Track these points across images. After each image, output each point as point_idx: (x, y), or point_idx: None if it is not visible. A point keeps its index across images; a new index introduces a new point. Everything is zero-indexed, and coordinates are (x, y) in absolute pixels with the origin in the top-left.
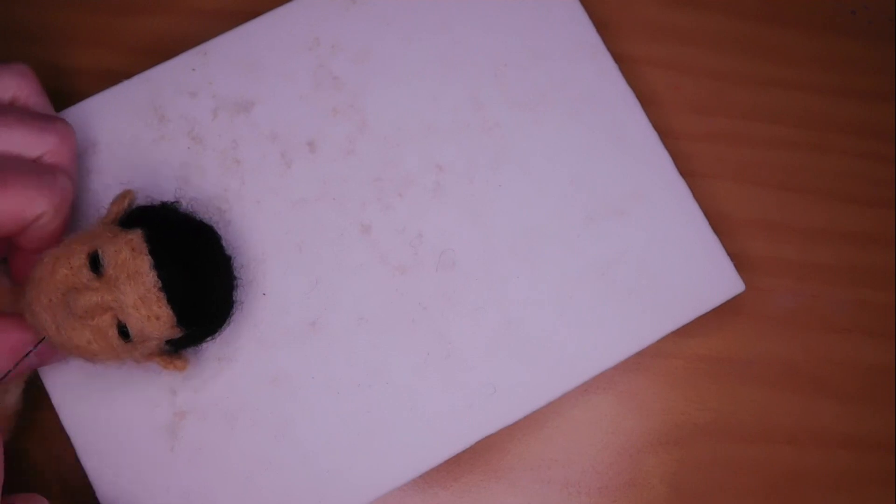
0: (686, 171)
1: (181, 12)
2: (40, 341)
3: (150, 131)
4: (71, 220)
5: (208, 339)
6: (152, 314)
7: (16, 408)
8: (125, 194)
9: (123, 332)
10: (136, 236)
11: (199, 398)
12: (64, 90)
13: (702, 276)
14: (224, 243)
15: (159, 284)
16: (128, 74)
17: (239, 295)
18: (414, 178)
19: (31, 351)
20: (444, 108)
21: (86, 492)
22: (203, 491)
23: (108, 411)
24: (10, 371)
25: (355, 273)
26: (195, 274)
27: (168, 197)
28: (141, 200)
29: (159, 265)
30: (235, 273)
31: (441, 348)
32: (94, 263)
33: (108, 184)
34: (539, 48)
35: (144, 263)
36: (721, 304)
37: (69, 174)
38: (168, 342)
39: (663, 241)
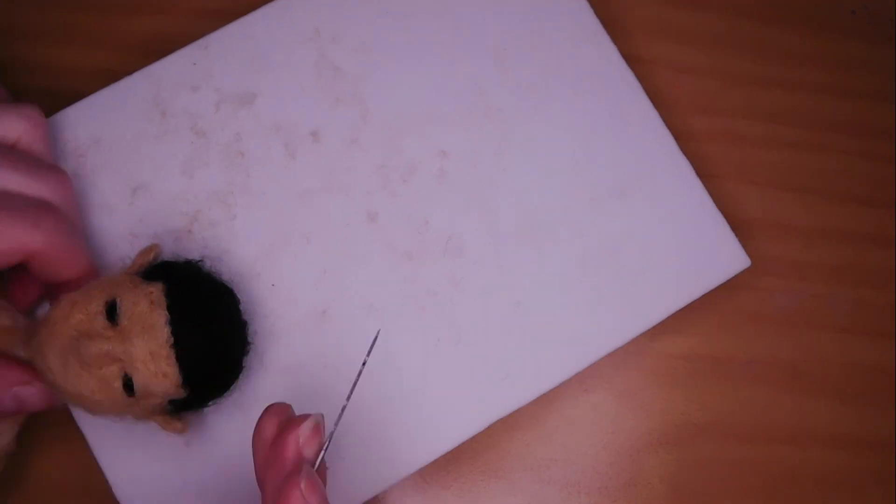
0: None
1: (178, 12)
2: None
3: (153, 126)
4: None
5: (210, 404)
6: (160, 371)
7: (8, 449)
8: (151, 248)
9: (128, 386)
10: (156, 289)
11: (213, 406)
12: (62, 90)
13: (708, 253)
14: (242, 308)
15: (171, 341)
16: (127, 73)
17: (248, 361)
18: (418, 165)
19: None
20: (446, 95)
21: (104, 489)
22: (219, 484)
23: None
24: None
25: (363, 261)
26: (208, 337)
27: (172, 199)
28: (165, 252)
29: (174, 322)
30: (249, 339)
31: (451, 334)
32: (111, 312)
33: (112, 180)
34: (538, 32)
35: (160, 318)
36: (729, 279)
37: (66, 214)
38: (170, 402)
39: (668, 220)
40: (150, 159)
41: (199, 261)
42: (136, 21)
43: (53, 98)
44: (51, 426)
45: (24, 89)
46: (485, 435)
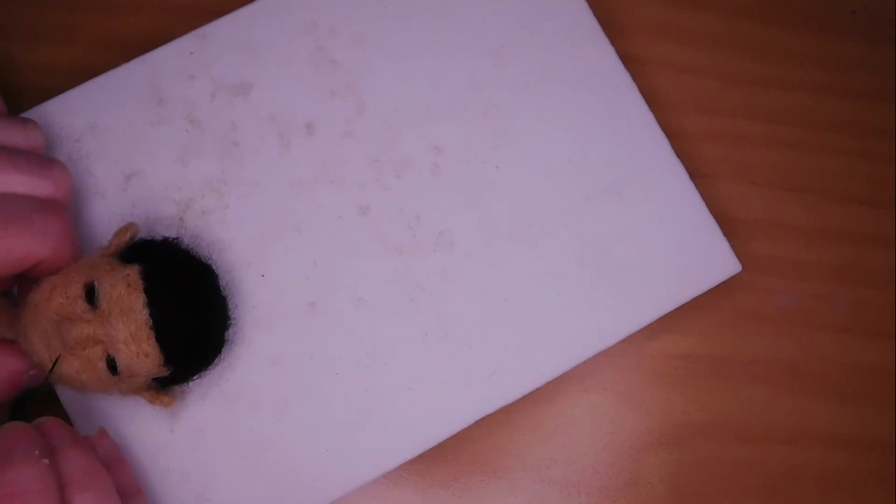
0: (686, 170)
1: (177, 12)
2: (51, 370)
3: (148, 114)
4: (73, 217)
5: (195, 378)
6: (141, 351)
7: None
8: (128, 227)
9: (112, 366)
10: (132, 272)
11: (198, 379)
12: (58, 89)
13: (700, 256)
14: (221, 283)
15: (150, 323)
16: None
17: (231, 335)
18: (412, 160)
19: (26, 380)
20: (441, 90)
21: None
22: (203, 471)
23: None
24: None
25: (354, 254)
26: (188, 315)
27: (165, 186)
28: (143, 231)
29: (153, 304)
30: (229, 314)
31: (439, 328)
32: (90, 295)
33: (106, 166)
34: (536, 30)
35: (138, 301)
36: (718, 283)
37: (66, 210)
38: (155, 379)
39: (660, 222)
40: (145, 146)
41: (176, 238)
42: (135, 21)
43: (31, 95)
44: (36, 409)
45: (21, 88)
46: (485, 435)
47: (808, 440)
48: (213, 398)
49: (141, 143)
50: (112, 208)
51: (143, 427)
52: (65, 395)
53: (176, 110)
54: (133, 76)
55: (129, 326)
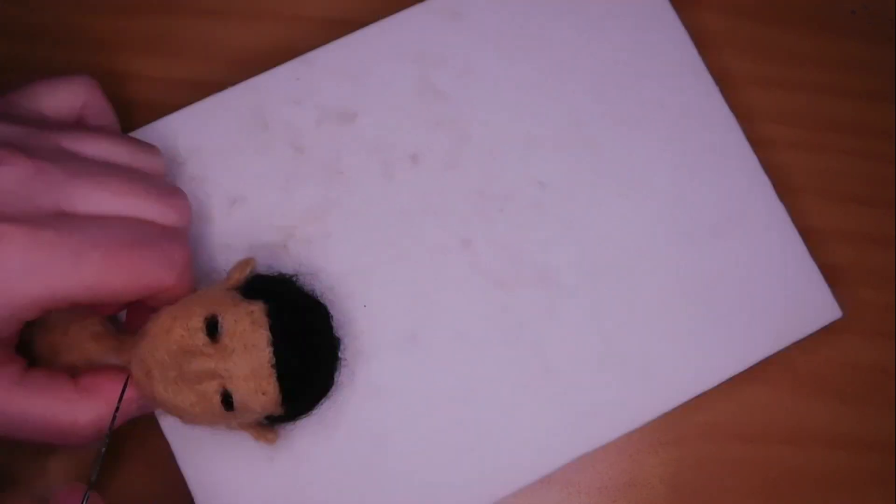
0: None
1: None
2: (109, 429)
3: (253, 139)
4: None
5: (303, 417)
6: (260, 389)
7: (99, 455)
8: (247, 262)
9: (227, 401)
10: (257, 309)
11: (305, 419)
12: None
13: (798, 301)
14: (335, 324)
15: (273, 361)
16: (218, 84)
17: (339, 377)
18: (514, 194)
19: (117, 408)
20: (544, 125)
21: (185, 501)
22: (301, 500)
23: None
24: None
25: (455, 287)
26: (307, 356)
27: (269, 213)
28: (259, 266)
29: (275, 342)
30: (341, 355)
31: (539, 365)
32: (211, 328)
33: (209, 190)
34: (639, 66)
35: (262, 338)
36: (818, 329)
37: (188, 240)
38: (266, 417)
39: (760, 264)
40: (250, 172)
41: (293, 275)
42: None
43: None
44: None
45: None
46: None
47: (808, 440)
48: (313, 427)
49: (245, 168)
50: (216, 233)
51: (242, 454)
52: (165, 420)
53: (281, 136)
54: (238, 100)
55: (251, 363)
